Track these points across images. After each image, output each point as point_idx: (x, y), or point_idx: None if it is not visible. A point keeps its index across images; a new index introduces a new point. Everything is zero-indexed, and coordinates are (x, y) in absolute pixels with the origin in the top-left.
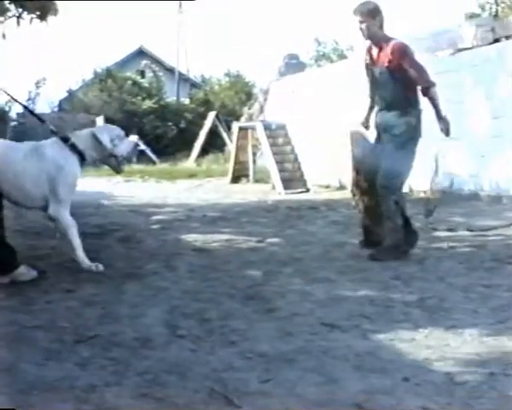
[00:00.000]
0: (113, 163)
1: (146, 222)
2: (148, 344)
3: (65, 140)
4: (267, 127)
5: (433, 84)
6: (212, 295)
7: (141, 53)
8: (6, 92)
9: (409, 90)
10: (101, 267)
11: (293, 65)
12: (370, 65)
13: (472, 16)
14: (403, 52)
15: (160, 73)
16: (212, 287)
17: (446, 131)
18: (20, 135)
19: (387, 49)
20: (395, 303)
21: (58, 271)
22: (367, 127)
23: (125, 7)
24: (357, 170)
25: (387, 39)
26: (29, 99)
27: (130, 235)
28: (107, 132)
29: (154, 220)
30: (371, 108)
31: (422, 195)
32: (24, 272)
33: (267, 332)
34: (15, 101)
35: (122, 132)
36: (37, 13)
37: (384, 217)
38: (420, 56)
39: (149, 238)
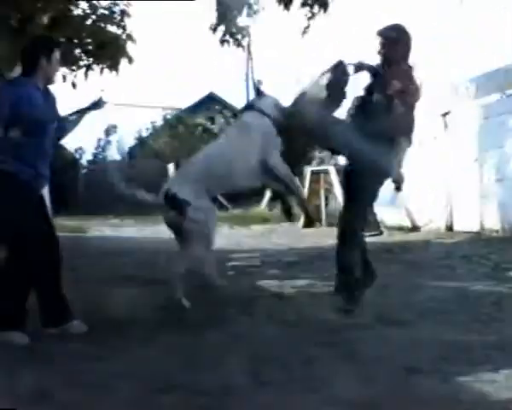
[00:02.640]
0: None
1: (222, 268)
2: (231, 392)
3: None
4: (340, 171)
5: None
6: (293, 341)
7: (211, 98)
8: None
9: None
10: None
11: None
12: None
13: None
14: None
15: (231, 119)
16: (292, 333)
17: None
18: (91, 183)
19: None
20: (475, 345)
21: (133, 318)
22: None
23: (195, 52)
24: None
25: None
26: (98, 147)
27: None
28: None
29: (229, 266)
30: None
31: (495, 234)
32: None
33: (349, 377)
34: None
35: None
36: (108, 63)
37: None
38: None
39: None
